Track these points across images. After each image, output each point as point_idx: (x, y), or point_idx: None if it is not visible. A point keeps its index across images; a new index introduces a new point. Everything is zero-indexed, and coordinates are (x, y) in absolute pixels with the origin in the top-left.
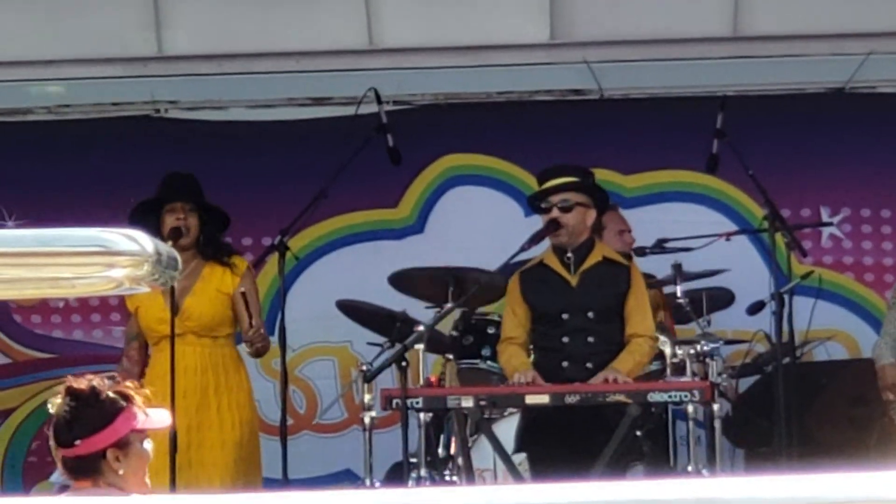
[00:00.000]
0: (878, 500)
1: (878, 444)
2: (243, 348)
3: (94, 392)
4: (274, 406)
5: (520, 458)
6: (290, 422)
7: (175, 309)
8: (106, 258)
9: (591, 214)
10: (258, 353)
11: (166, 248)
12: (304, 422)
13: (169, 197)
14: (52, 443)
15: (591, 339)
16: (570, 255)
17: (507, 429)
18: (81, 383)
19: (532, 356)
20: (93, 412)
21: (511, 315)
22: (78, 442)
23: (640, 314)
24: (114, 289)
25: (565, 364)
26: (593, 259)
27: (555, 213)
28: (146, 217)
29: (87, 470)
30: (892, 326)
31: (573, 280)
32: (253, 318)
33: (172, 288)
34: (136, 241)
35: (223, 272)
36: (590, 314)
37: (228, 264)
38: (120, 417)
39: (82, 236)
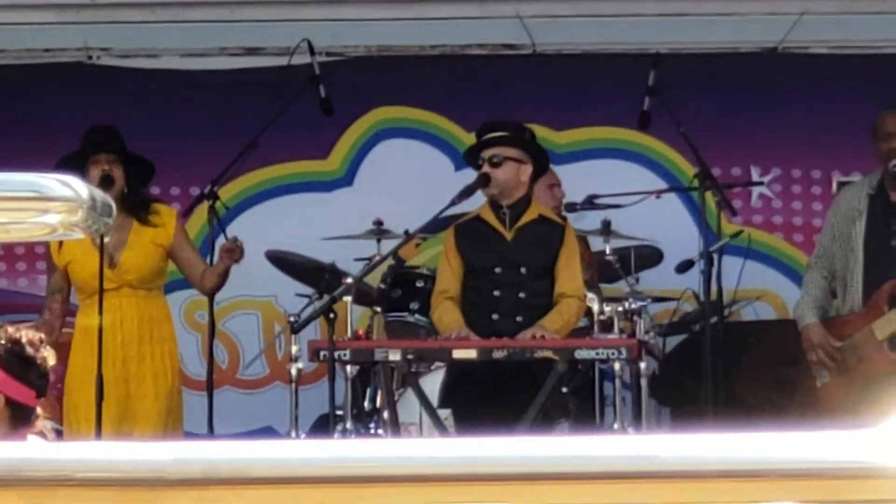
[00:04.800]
0: (793, 462)
1: (800, 405)
2: (171, 298)
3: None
4: (197, 360)
5: (445, 414)
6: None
7: (111, 263)
8: (40, 203)
9: (526, 170)
10: (222, 281)
11: (101, 194)
12: (225, 376)
13: (92, 149)
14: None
15: (522, 295)
16: (505, 210)
17: (434, 383)
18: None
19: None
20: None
21: (446, 267)
22: None
23: (569, 273)
24: (48, 234)
25: (495, 317)
26: (530, 216)
27: (486, 167)
28: (71, 171)
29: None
30: (812, 287)
31: (508, 235)
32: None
33: (102, 238)
34: (70, 186)
35: (155, 224)
36: (522, 270)
37: (157, 214)
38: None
39: (17, 181)
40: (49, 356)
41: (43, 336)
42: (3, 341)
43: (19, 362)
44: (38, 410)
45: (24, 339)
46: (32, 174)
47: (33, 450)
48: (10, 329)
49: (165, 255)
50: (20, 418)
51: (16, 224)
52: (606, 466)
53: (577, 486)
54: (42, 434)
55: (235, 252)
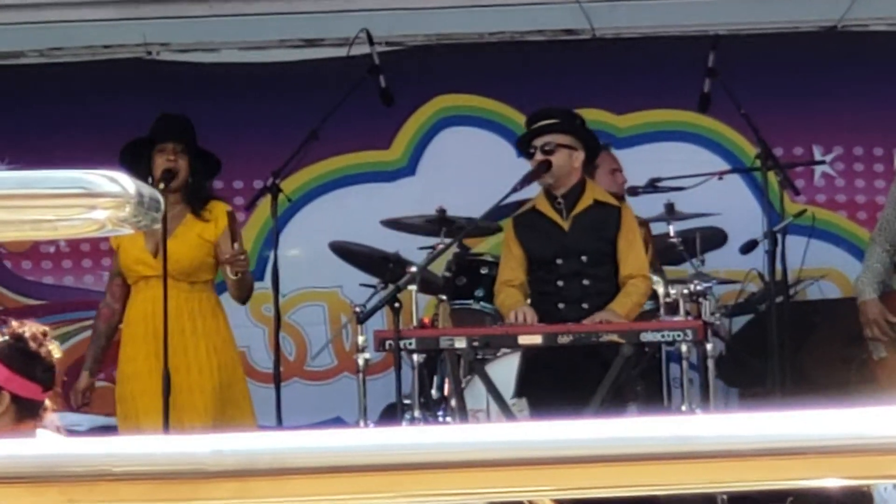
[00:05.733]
0: (850, 437)
1: (858, 380)
2: (225, 297)
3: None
4: (264, 353)
5: (521, 403)
6: (280, 368)
7: (155, 251)
8: (87, 200)
9: (579, 156)
10: (241, 291)
11: (148, 189)
12: (293, 368)
13: (160, 137)
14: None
15: (585, 283)
16: (560, 199)
17: (501, 369)
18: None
19: (529, 300)
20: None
21: (509, 258)
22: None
23: (632, 254)
24: (96, 231)
25: (561, 306)
26: (585, 203)
27: (538, 155)
28: (137, 158)
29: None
30: (873, 261)
31: (565, 224)
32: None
33: (165, 229)
34: (117, 182)
35: (206, 219)
36: (583, 258)
37: (211, 210)
38: None
39: (64, 178)
40: (54, 349)
41: (47, 329)
42: (6, 337)
43: (23, 357)
44: (47, 403)
45: (27, 334)
46: (79, 171)
47: (71, 445)
48: (15, 324)
49: (213, 250)
50: (27, 413)
51: (63, 221)
52: (639, 448)
53: (590, 470)
54: (56, 428)
55: (237, 264)
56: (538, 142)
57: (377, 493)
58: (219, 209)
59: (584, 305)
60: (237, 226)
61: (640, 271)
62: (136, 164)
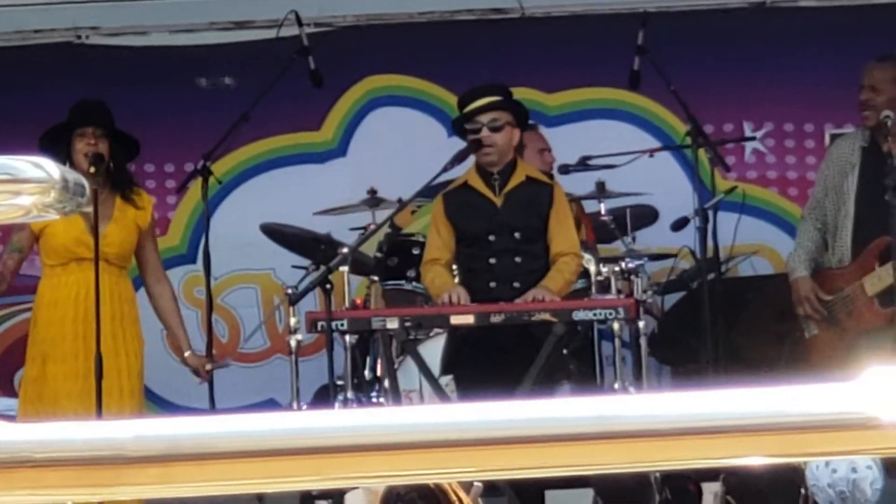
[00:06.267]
0: (756, 416)
1: (789, 358)
2: (170, 274)
3: None
4: (197, 335)
5: (446, 380)
6: (212, 351)
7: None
8: (12, 186)
9: (517, 133)
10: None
11: (73, 174)
12: (227, 351)
13: (80, 122)
14: None
15: (518, 260)
16: (496, 175)
17: (433, 349)
18: None
19: (457, 277)
20: None
21: (435, 236)
22: None
23: (563, 232)
24: (22, 216)
25: (492, 284)
26: (517, 179)
27: (485, 133)
28: (56, 144)
29: None
30: (805, 239)
31: (498, 201)
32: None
33: (96, 211)
34: (42, 167)
35: (137, 205)
36: (516, 234)
37: (139, 196)
38: None
39: None
40: None
41: None
42: None
43: None
44: None
45: None
46: (3, 157)
47: None
48: None
49: (139, 238)
50: None
51: None
52: (564, 429)
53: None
54: None
55: (200, 373)
56: (484, 118)
57: (300, 476)
58: (146, 199)
59: (516, 284)
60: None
61: (572, 249)
62: (56, 151)
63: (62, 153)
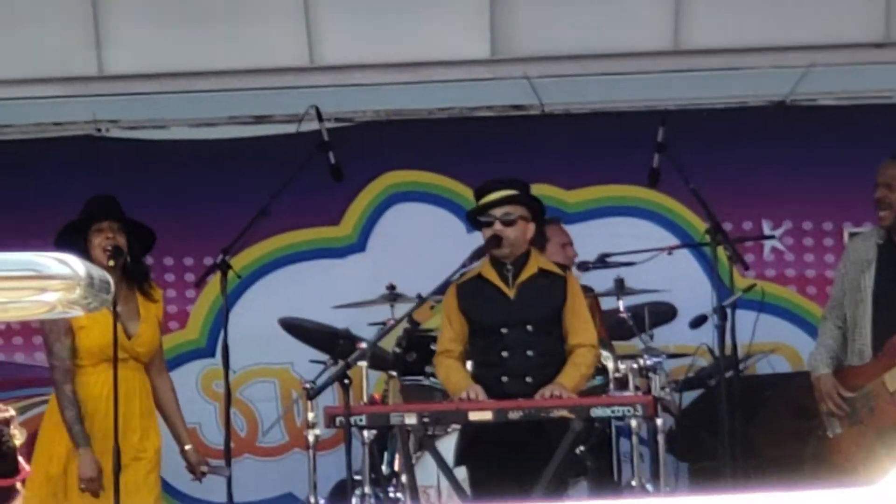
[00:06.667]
0: None
1: (813, 457)
2: (187, 368)
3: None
4: (215, 429)
5: (460, 474)
6: (230, 445)
7: (127, 333)
8: (38, 282)
9: (531, 227)
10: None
11: (98, 271)
12: (245, 445)
13: (97, 216)
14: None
15: (530, 353)
16: (509, 267)
17: (451, 445)
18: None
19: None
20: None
21: (448, 327)
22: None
23: (579, 324)
24: (47, 312)
25: (505, 379)
26: (529, 271)
27: (497, 227)
28: (73, 239)
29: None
30: (826, 337)
31: (511, 293)
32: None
33: (115, 310)
34: (67, 264)
35: (154, 299)
36: (528, 327)
37: (154, 289)
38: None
39: (14, 260)
40: (17, 435)
41: (13, 414)
42: None
43: None
44: (18, 486)
45: None
46: (30, 253)
47: None
48: None
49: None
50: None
51: (14, 303)
52: None
53: None
54: None
55: (195, 470)
56: (497, 212)
57: None
58: (158, 291)
59: (528, 379)
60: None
61: (588, 341)
62: (73, 246)
63: (79, 250)
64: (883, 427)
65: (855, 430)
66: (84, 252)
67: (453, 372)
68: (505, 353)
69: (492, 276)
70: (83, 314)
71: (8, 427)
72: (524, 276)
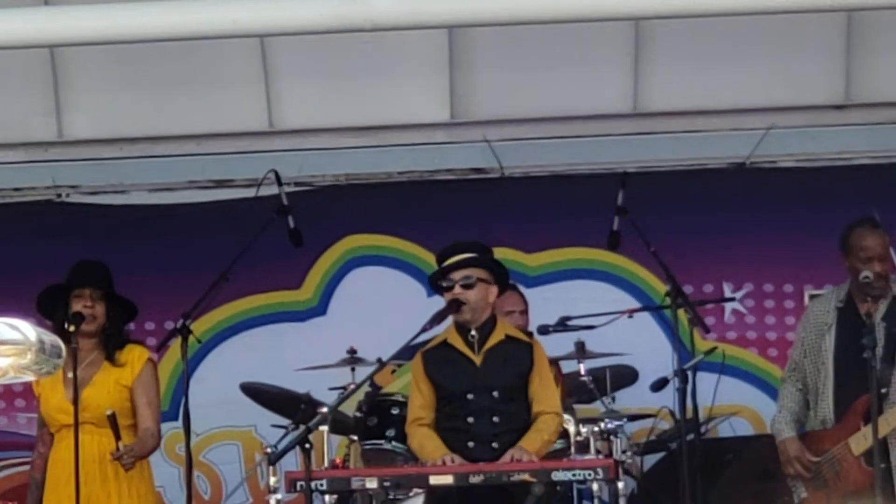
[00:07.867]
0: None
1: None
2: None
3: None
4: (178, 492)
5: None
6: None
7: (74, 399)
8: None
9: (493, 290)
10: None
11: (50, 336)
12: None
13: (77, 283)
14: None
15: (496, 419)
16: (474, 333)
17: None
18: None
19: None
20: None
21: (417, 395)
22: None
23: (544, 391)
24: None
25: (471, 444)
26: (496, 338)
27: (457, 290)
28: (55, 303)
29: None
30: (788, 401)
31: (477, 359)
32: (121, 440)
33: (75, 374)
34: (18, 329)
35: (122, 364)
36: (494, 394)
37: (129, 353)
38: None
39: None
40: None
41: None
42: None
43: None
44: None
45: None
46: None
47: None
48: None
49: (130, 395)
50: None
51: None
52: None
53: None
54: None
55: (123, 461)
56: (457, 275)
57: None
58: (136, 353)
59: (494, 445)
60: (154, 376)
61: (553, 408)
62: (54, 310)
63: (60, 314)
64: (849, 491)
65: (821, 493)
66: (65, 316)
67: (427, 440)
68: (471, 419)
69: (457, 342)
70: (34, 379)
71: None
72: (491, 342)
